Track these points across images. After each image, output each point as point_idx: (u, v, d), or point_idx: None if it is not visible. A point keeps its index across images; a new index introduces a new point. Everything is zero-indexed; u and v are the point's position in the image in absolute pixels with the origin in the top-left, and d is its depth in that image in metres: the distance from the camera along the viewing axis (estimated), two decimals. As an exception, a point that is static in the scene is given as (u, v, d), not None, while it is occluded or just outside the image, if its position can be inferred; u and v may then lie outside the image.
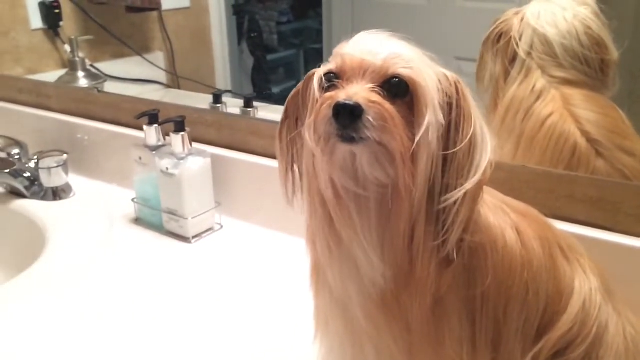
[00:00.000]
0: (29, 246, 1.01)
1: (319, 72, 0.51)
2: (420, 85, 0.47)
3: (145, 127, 0.97)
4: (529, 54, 0.82)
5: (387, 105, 0.45)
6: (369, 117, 0.44)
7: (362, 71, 0.47)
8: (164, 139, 0.98)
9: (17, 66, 1.46)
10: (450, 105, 0.48)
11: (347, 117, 0.44)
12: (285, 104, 0.55)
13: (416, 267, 0.48)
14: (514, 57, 0.84)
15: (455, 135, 0.48)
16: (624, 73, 0.80)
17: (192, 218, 0.95)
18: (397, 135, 0.45)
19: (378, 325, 0.50)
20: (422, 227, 0.48)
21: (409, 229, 0.48)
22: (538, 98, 0.82)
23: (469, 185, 0.46)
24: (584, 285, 0.55)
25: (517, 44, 0.83)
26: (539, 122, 0.80)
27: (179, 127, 0.93)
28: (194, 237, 0.96)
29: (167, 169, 0.93)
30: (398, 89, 0.47)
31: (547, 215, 0.75)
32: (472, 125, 0.48)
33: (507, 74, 0.85)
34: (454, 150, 0.47)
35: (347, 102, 0.44)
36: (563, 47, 0.79)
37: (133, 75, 1.50)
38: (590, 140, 0.77)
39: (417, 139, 0.46)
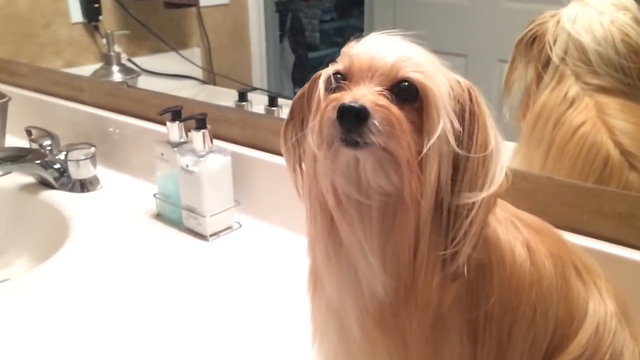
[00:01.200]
0: (54, 236, 1.03)
1: (325, 72, 0.49)
2: (431, 90, 0.45)
3: (168, 123, 0.97)
4: (562, 59, 0.79)
5: (395, 109, 0.43)
6: (375, 121, 0.42)
7: (370, 73, 0.45)
8: (187, 135, 0.98)
9: (57, 59, 1.49)
10: (462, 112, 0.46)
11: (352, 120, 0.42)
12: (291, 104, 0.54)
13: (418, 281, 0.46)
14: (547, 62, 0.80)
15: (468, 145, 0.45)
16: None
17: (210, 216, 0.94)
18: (404, 141, 0.43)
19: (373, 340, 0.48)
20: (427, 240, 0.45)
21: (413, 240, 0.45)
22: (570, 105, 0.78)
23: (485, 194, 0.44)
24: (599, 308, 0.51)
25: (551, 49, 0.79)
26: (570, 131, 0.77)
27: (200, 124, 0.92)
28: (211, 235, 0.95)
29: (187, 166, 0.93)
30: (407, 94, 0.45)
31: (571, 230, 0.72)
32: (486, 134, 0.45)
33: (539, 79, 0.82)
34: (467, 159, 0.45)
35: (352, 104, 0.42)
36: (598, 54, 0.75)
37: (170, 71, 1.51)
38: (623, 152, 0.73)
39: (426, 146, 0.44)
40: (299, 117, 0.53)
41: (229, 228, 0.98)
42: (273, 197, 0.99)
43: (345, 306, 0.49)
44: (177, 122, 0.96)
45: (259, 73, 1.53)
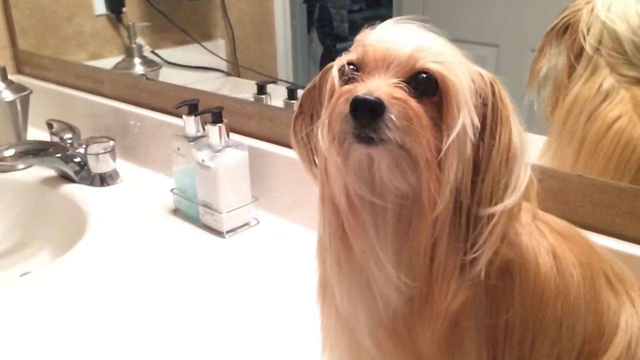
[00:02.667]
0: (74, 230, 1.03)
1: (338, 62, 0.45)
2: (452, 83, 0.41)
3: (184, 116, 0.95)
4: (596, 49, 0.74)
5: (413, 103, 0.40)
6: (392, 115, 0.39)
7: (385, 63, 0.42)
8: (204, 129, 0.96)
9: (81, 51, 1.49)
10: (484, 108, 0.42)
11: (367, 114, 0.39)
12: (300, 98, 0.51)
13: (435, 290, 0.43)
14: (580, 52, 0.76)
15: (490, 143, 0.42)
16: None
17: (227, 212, 0.92)
18: (423, 138, 0.40)
19: (386, 352, 0.45)
20: (445, 245, 0.42)
21: (430, 246, 0.42)
22: (605, 99, 0.73)
23: (510, 200, 0.40)
24: (632, 322, 0.47)
25: (584, 38, 0.75)
26: (604, 126, 0.72)
27: (217, 118, 0.90)
28: (228, 231, 0.93)
29: (203, 161, 0.91)
30: (426, 86, 0.41)
31: (603, 233, 0.67)
32: (510, 132, 0.42)
33: (571, 70, 0.77)
34: (488, 159, 0.41)
35: (367, 97, 0.39)
36: (634, 44, 0.70)
37: (195, 63, 1.49)
38: (661, 149, 0.69)
39: (446, 144, 0.40)
40: (308, 111, 0.50)
41: (246, 224, 0.96)
42: (292, 193, 0.96)
43: (356, 316, 0.47)
44: (193, 115, 0.94)
45: (284, 64, 1.50)
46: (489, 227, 0.41)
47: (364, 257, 0.44)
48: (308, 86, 0.50)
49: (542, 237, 0.47)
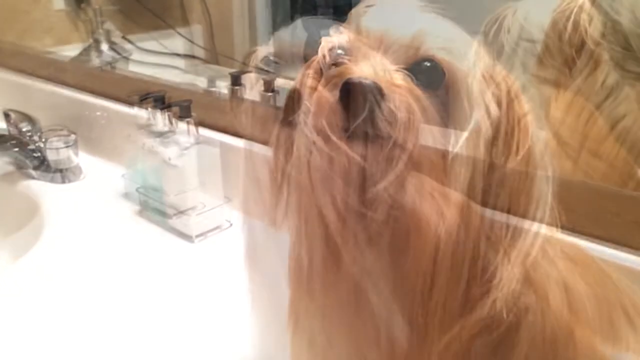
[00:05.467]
0: (31, 232, 0.95)
1: (324, 43, 0.38)
2: (462, 75, 0.34)
3: (149, 110, 0.87)
4: (598, 43, 0.68)
5: (418, 92, 0.33)
6: (391, 105, 0.32)
7: (382, 47, 0.35)
8: (171, 124, 0.88)
9: (47, 36, 1.40)
10: (498, 110, 0.36)
11: (360, 103, 0.32)
12: (285, 100, 0.43)
13: (434, 326, 0.36)
14: (582, 45, 0.70)
15: (506, 151, 0.35)
16: None
17: (196, 215, 0.84)
18: (429, 137, 0.33)
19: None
20: (447, 272, 0.35)
21: (430, 270, 0.35)
22: (608, 96, 0.68)
23: (532, 228, 0.34)
24: (654, 364, 0.41)
25: (586, 30, 0.69)
26: (607, 126, 0.67)
27: (185, 112, 0.82)
28: (197, 236, 0.86)
29: (169, 159, 0.83)
30: (430, 77, 0.35)
31: (610, 245, 0.61)
32: (529, 140, 0.35)
33: (572, 63, 0.71)
34: (503, 172, 0.35)
35: (361, 81, 0.32)
36: (639, 38, 0.64)
37: (170, 50, 1.41)
38: (671, 152, 0.63)
39: (454, 147, 0.34)
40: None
41: (217, 227, 0.88)
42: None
43: (339, 354, 0.40)
44: (159, 109, 0.86)
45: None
46: (516, 254, 0.34)
47: (352, 283, 0.37)
48: (290, 89, 0.43)
49: (550, 265, 0.40)
